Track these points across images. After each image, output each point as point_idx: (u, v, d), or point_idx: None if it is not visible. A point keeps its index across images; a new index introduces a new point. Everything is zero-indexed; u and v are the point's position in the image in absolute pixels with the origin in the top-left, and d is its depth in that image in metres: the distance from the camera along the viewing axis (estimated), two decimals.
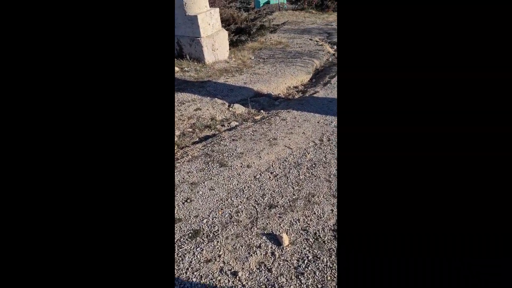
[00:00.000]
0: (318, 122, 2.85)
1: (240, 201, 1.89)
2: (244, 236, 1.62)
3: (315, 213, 1.77)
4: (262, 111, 3.30)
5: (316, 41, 5.80)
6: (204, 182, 2.07)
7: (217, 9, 4.64)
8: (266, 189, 1.99)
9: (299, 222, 1.71)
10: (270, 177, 2.12)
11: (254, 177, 2.12)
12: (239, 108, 3.32)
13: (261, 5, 8.92)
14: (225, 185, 2.04)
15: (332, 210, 1.79)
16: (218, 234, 1.64)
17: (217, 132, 2.86)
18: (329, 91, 3.57)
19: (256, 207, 1.84)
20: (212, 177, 2.12)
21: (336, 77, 3.99)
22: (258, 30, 5.41)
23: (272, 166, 2.24)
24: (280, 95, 3.82)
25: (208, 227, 1.69)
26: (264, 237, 1.61)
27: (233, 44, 5.11)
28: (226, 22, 5.19)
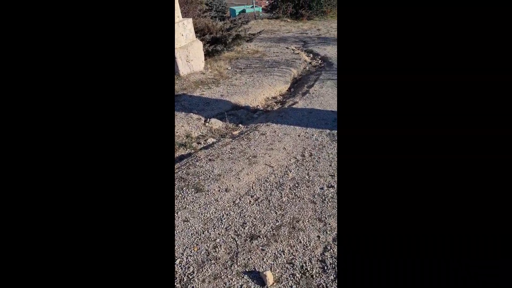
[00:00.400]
0: (298, 136, 2.73)
1: (218, 233, 1.70)
2: (223, 277, 1.44)
3: (300, 242, 1.62)
4: (240, 125, 3.15)
5: (293, 49, 5.76)
6: (177, 213, 1.86)
7: (191, 19, 4.47)
8: (246, 216, 1.82)
9: (283, 254, 1.55)
10: (250, 201, 1.95)
11: (233, 202, 1.95)
12: (216, 123, 3.14)
13: (236, 14, 8.85)
14: (201, 214, 1.85)
15: (318, 236, 1.65)
16: (193, 276, 1.44)
17: (192, 151, 2.66)
18: (308, 101, 3.48)
19: (236, 239, 1.66)
20: (187, 206, 1.92)
21: (314, 86, 3.92)
22: (234, 39, 5.28)
23: (253, 188, 2.07)
24: (258, 107, 3.68)
25: (181, 269, 1.49)
26: (245, 276, 1.44)
27: (209, 54, 4.94)
28: (201, 32, 5.02)
